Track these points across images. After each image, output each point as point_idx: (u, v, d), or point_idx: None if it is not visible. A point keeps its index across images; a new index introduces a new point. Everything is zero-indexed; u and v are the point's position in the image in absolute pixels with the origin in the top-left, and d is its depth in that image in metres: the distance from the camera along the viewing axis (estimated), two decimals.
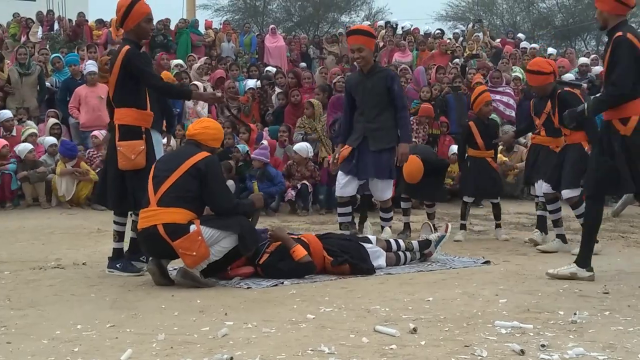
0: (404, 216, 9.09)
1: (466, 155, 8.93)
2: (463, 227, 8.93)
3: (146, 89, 6.55)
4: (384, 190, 7.98)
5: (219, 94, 6.87)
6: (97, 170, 11.16)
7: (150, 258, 6.13)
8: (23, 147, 11.32)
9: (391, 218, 8.24)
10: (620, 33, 5.83)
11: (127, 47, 6.50)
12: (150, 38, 17.18)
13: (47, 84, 13.87)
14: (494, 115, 13.40)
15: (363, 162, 7.84)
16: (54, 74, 14.29)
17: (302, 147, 11.46)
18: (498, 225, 8.92)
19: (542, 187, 7.96)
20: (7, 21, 20.34)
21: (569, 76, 14.97)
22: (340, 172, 8.03)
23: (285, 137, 12.32)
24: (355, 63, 7.95)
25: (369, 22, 25.05)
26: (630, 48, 5.77)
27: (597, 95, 6.11)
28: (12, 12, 21.26)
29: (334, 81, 13.96)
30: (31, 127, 12.24)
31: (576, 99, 7.59)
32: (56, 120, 12.44)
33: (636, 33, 5.91)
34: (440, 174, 9.12)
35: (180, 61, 14.97)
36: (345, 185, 7.97)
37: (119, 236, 6.70)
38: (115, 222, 6.72)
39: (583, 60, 16.53)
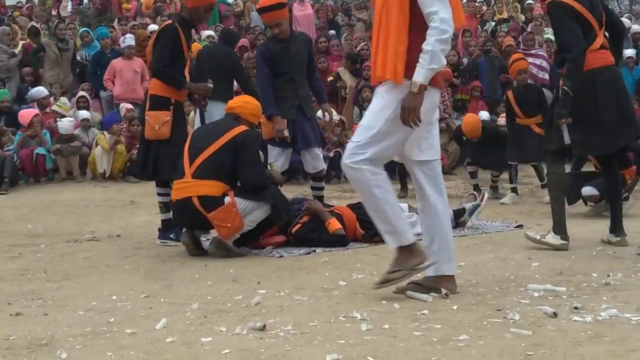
0: (472, 179, 9.44)
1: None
2: (514, 190, 9.03)
3: (183, 62, 6.64)
4: (320, 159, 7.54)
5: (211, 86, 6.82)
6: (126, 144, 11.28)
7: (184, 229, 6.17)
8: (67, 124, 11.41)
9: (323, 188, 7.79)
10: None
11: (168, 22, 6.70)
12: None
13: (78, 57, 13.94)
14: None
15: (302, 131, 7.32)
16: (83, 48, 14.34)
17: (320, 113, 11.36)
18: (543, 186, 8.93)
19: None
20: None
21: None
22: (275, 147, 7.32)
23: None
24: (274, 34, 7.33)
25: None
26: (564, 9, 5.68)
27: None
28: None
29: (357, 48, 13.90)
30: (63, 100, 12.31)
31: None
32: (83, 93, 12.49)
33: None
34: (499, 142, 9.16)
35: (211, 32, 14.94)
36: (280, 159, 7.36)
37: (166, 207, 6.61)
38: (158, 194, 6.73)
39: (624, 22, 16.24)
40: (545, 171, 8.52)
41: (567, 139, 5.84)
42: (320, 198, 7.41)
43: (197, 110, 8.64)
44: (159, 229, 6.71)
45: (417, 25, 4.22)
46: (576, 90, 5.64)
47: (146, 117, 6.59)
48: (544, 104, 8.89)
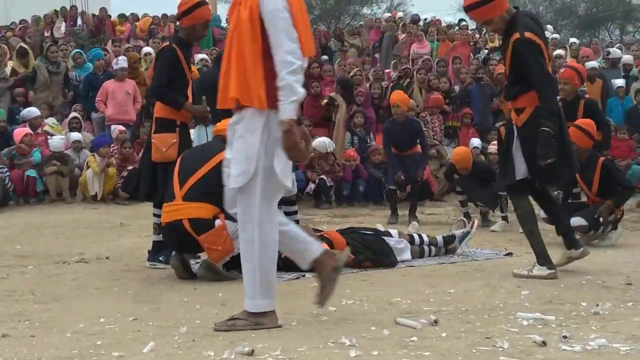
0: (462, 207, 9.47)
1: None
2: (504, 218, 9.06)
3: (185, 82, 6.65)
4: (295, 183, 7.19)
5: (207, 109, 6.89)
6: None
7: (174, 253, 6.15)
8: (58, 142, 11.44)
9: (296, 212, 7.56)
10: (518, 34, 5.71)
11: (165, 44, 6.80)
12: (174, 32, 17.30)
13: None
14: None
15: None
16: (75, 70, 14.38)
17: (321, 143, 11.38)
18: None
19: None
20: (33, 16, 20.36)
21: (592, 64, 14.85)
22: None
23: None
24: None
25: (389, 14, 24.90)
26: (532, 45, 5.69)
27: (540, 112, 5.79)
28: (37, 7, 21.32)
29: (350, 74, 13.97)
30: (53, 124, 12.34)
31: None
32: (75, 114, 12.51)
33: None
34: (491, 179, 9.24)
35: (204, 55, 15.01)
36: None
37: (159, 228, 6.54)
38: (155, 215, 6.67)
39: (616, 52, 16.35)
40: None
41: (521, 173, 5.85)
42: (295, 222, 7.33)
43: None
44: (148, 251, 6.69)
45: (270, 54, 4.16)
46: (530, 123, 5.73)
47: (152, 140, 6.61)
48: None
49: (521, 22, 5.73)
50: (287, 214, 7.37)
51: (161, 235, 6.45)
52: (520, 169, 5.85)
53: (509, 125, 5.98)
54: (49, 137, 11.79)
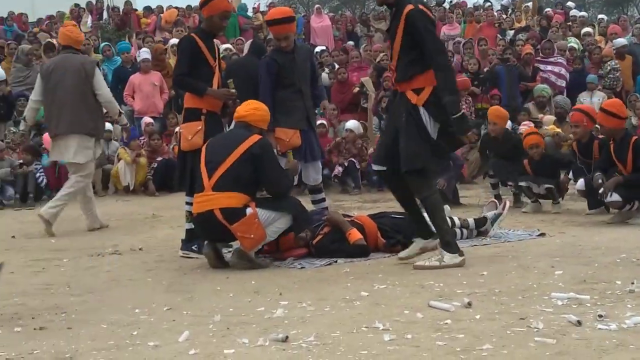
0: (494, 189, 9.32)
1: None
2: (536, 200, 8.90)
3: (209, 72, 6.69)
4: (320, 172, 7.47)
5: (233, 91, 6.86)
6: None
7: (206, 242, 6.18)
8: None
9: (324, 199, 7.56)
10: (412, 6, 5.56)
11: (187, 35, 6.83)
12: (198, 23, 17.33)
13: None
14: (544, 86, 13.33)
15: (310, 144, 7.23)
16: (104, 63, 14.49)
17: (355, 125, 11.59)
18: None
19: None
20: (58, 12, 20.55)
21: (621, 41, 14.69)
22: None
23: (334, 114, 12.30)
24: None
25: None
26: (426, 17, 5.60)
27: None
28: (64, 4, 21.49)
29: (377, 59, 13.93)
30: None
31: None
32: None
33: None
34: (521, 155, 9.13)
35: (229, 45, 15.02)
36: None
37: (192, 217, 6.49)
38: (187, 203, 6.68)
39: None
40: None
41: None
42: (324, 209, 7.36)
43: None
44: (182, 240, 6.73)
45: None
46: (432, 103, 5.55)
47: (181, 130, 6.75)
48: (558, 173, 8.98)
49: None
50: (314, 202, 7.44)
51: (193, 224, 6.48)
52: (428, 154, 5.64)
53: (402, 106, 5.66)
54: None
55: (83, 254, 6.97)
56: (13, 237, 8.20)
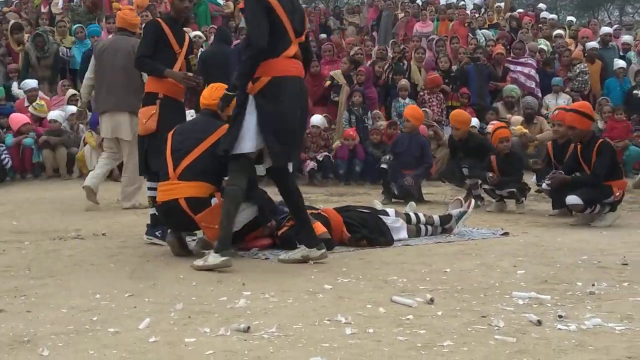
0: (473, 191, 9.21)
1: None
2: (501, 199, 8.96)
3: (172, 56, 6.68)
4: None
5: (191, 74, 6.81)
6: None
7: (170, 230, 6.15)
8: (50, 114, 11.57)
9: None
10: None
11: (152, 19, 6.71)
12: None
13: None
14: (514, 87, 13.44)
15: None
16: (75, 45, 14.37)
17: (319, 120, 11.63)
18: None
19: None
20: None
21: (593, 44, 14.85)
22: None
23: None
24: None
25: None
26: (258, 3, 5.34)
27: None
28: None
29: (351, 52, 13.94)
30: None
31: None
32: (74, 91, 12.50)
33: None
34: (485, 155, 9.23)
35: (199, 32, 14.94)
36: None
37: (154, 201, 6.44)
38: (149, 188, 6.68)
39: (605, 29, 16.33)
40: None
41: (247, 147, 5.43)
42: None
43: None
44: (147, 224, 6.68)
45: None
46: (263, 94, 5.38)
47: (138, 115, 6.72)
48: (521, 170, 9.07)
49: None
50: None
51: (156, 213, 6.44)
52: (247, 144, 5.42)
53: (244, 94, 5.49)
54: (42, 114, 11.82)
55: (45, 237, 6.89)
56: None
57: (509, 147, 9.11)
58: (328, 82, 12.78)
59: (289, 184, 5.71)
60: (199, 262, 5.46)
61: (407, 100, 12.78)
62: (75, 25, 15.07)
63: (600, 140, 7.97)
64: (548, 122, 12.72)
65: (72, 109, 11.84)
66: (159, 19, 6.86)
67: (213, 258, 5.41)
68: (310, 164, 11.24)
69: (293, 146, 5.56)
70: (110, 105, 8.56)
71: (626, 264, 5.56)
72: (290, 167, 5.88)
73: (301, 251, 5.69)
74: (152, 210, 6.59)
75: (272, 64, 5.39)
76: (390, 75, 13.48)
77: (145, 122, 6.53)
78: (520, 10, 20.97)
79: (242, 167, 5.54)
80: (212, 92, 6.14)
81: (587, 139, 7.85)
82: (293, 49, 5.47)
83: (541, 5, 21.63)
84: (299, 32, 5.54)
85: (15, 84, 13.07)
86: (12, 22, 14.73)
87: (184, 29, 7.02)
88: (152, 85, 6.67)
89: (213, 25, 16.29)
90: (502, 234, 7.05)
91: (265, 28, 5.32)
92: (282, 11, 5.38)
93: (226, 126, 5.85)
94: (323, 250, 5.63)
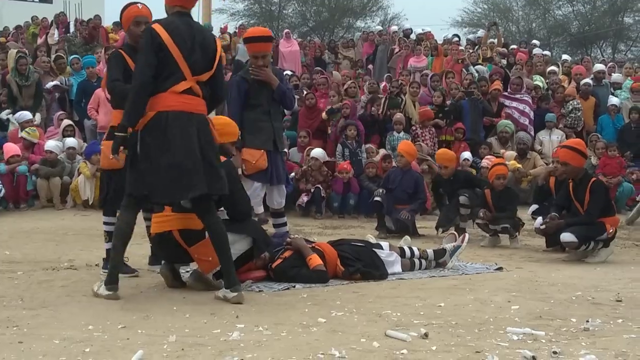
0: (489, 230, 9.06)
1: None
2: (494, 233, 8.99)
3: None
4: (284, 195, 7.56)
5: None
6: None
7: (163, 262, 6.13)
8: (48, 144, 11.59)
9: (286, 223, 7.66)
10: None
11: (114, 50, 6.43)
12: None
13: (56, 82, 14.16)
14: (508, 122, 13.52)
15: (276, 166, 7.32)
16: (72, 76, 14.45)
17: (320, 153, 11.63)
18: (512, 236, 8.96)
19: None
20: (25, 22, 20.52)
21: (587, 81, 14.93)
22: (257, 184, 7.33)
23: (305, 141, 12.34)
24: (252, 69, 7.17)
25: (381, 28, 24.97)
26: (151, 36, 5.35)
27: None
28: (30, 15, 21.44)
29: (345, 86, 14.01)
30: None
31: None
32: (70, 122, 12.55)
33: (167, 23, 5.45)
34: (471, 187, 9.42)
35: None
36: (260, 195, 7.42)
37: (109, 236, 6.36)
38: (105, 223, 6.55)
39: (599, 67, 16.45)
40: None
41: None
42: (285, 233, 7.37)
43: None
44: (103, 259, 6.59)
45: None
46: (148, 129, 5.35)
47: (101, 147, 6.51)
48: (515, 206, 9.11)
49: (166, 18, 5.54)
50: (275, 225, 7.43)
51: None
52: (139, 186, 5.43)
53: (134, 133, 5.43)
54: (41, 140, 11.84)
55: (38, 267, 6.86)
56: None
57: (505, 184, 9.14)
58: (324, 115, 12.83)
59: (211, 219, 5.57)
60: (93, 287, 5.62)
61: (402, 134, 12.82)
62: (72, 57, 15.16)
63: (593, 179, 8.01)
64: (542, 159, 12.80)
65: (71, 141, 11.90)
66: (121, 50, 6.43)
67: (104, 290, 5.51)
68: (302, 199, 11.25)
69: (190, 180, 5.35)
70: None
71: (620, 301, 5.56)
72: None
73: (222, 291, 5.54)
74: (107, 245, 6.39)
75: (158, 98, 5.39)
76: (385, 109, 13.53)
77: (112, 157, 5.84)
78: (514, 46, 21.11)
79: (132, 203, 5.55)
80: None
81: (580, 177, 7.88)
82: (184, 84, 5.43)
83: (535, 42, 21.78)
84: (199, 71, 5.49)
85: (4, 113, 13.12)
86: (15, 51, 14.80)
87: None
88: (117, 119, 6.03)
89: None
90: (496, 269, 7.05)
91: (150, 63, 5.34)
92: (175, 48, 5.38)
93: (223, 158, 5.87)
94: (236, 294, 5.40)
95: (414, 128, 13.20)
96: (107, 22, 21.24)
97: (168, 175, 5.33)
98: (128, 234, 5.56)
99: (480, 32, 22.95)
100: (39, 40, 18.60)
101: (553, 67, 17.05)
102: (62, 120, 12.79)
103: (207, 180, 5.38)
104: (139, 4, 6.51)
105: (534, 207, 9.35)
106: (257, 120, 7.20)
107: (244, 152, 7.06)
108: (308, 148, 12.06)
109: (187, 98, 5.44)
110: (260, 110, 7.22)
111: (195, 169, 5.36)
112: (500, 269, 7.06)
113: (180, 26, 5.45)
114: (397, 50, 18.87)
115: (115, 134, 5.47)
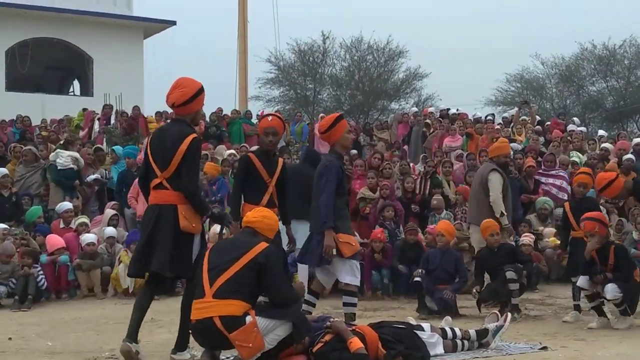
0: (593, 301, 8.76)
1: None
2: (577, 307, 9.03)
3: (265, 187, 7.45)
4: (356, 272, 7.77)
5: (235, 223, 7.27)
6: None
7: (204, 349, 6.12)
8: (86, 237, 11.64)
9: (355, 304, 7.83)
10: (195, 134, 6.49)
11: (193, 135, 6.34)
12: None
13: (97, 175, 14.46)
14: (547, 199, 13.42)
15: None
16: (112, 165, 14.74)
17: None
18: (576, 307, 9.12)
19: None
20: (65, 116, 21.03)
21: (629, 157, 14.81)
22: (357, 262, 7.78)
23: None
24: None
25: (416, 110, 25.21)
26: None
27: None
28: (71, 108, 22.02)
29: (380, 168, 14.05)
30: (82, 217, 12.55)
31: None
32: (114, 212, 12.72)
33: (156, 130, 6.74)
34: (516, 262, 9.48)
35: (232, 151, 15.27)
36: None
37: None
38: None
39: (637, 140, 16.33)
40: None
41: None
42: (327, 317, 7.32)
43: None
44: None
45: None
46: None
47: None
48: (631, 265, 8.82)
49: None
50: (344, 304, 7.75)
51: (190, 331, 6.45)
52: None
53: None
54: (81, 234, 11.97)
55: (79, 357, 6.88)
56: (10, 338, 8.11)
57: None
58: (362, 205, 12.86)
59: (158, 291, 6.75)
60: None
61: (444, 214, 12.79)
62: (113, 147, 15.52)
63: (613, 246, 8.54)
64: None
65: (110, 231, 12.05)
66: (250, 154, 7.57)
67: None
68: None
69: (147, 257, 6.36)
70: None
71: None
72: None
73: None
74: None
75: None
76: (426, 189, 13.52)
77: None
78: (549, 123, 21.09)
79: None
80: (255, 213, 6.31)
81: (603, 244, 8.47)
82: (155, 181, 6.39)
83: (575, 119, 21.68)
84: (163, 167, 6.33)
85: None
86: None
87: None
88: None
89: (245, 145, 16.66)
90: (541, 349, 6.93)
91: (143, 165, 6.68)
92: (149, 151, 6.46)
93: (263, 244, 5.95)
94: (189, 357, 6.32)
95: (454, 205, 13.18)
96: (148, 112, 21.67)
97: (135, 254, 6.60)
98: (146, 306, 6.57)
99: (513, 111, 22.97)
100: (81, 133, 19.02)
101: (606, 145, 16.71)
102: (110, 209, 12.96)
103: (153, 260, 6.31)
104: (269, 117, 7.76)
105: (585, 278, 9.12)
106: (342, 208, 7.63)
107: (341, 236, 7.41)
108: None
109: (157, 192, 6.39)
110: (344, 197, 7.80)
111: (149, 249, 6.34)
112: (544, 348, 6.94)
113: (157, 133, 6.60)
114: (432, 130, 18.93)
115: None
